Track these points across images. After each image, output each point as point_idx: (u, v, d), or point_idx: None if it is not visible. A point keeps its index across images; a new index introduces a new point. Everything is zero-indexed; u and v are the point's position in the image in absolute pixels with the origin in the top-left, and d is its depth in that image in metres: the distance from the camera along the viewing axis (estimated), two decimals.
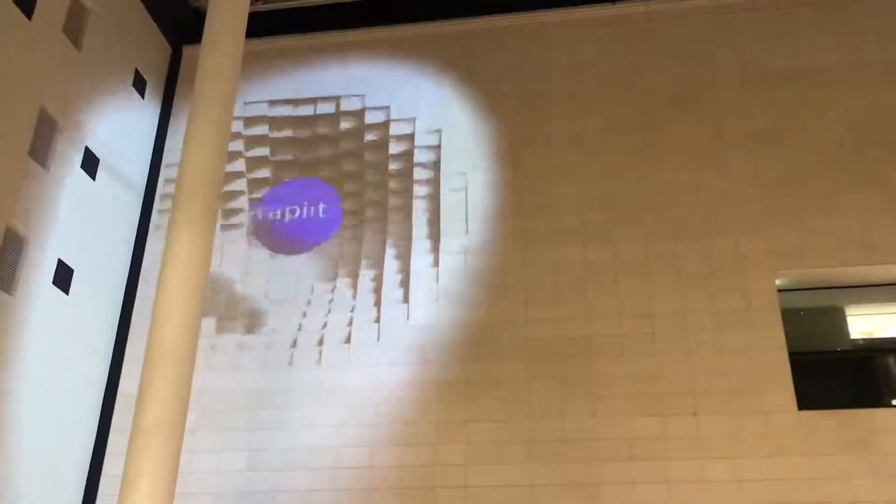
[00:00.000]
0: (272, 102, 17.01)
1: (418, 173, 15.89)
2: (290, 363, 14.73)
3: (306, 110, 16.86)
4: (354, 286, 15.19)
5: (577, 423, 13.50)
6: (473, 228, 15.25)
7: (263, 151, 16.65)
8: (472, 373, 14.14)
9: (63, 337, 14.02)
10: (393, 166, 16.02)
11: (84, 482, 14.38)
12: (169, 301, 10.94)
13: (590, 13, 16.74)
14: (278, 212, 16.07)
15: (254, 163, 16.60)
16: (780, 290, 13.98)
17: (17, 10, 13.25)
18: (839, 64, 15.36)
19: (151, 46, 17.28)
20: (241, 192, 16.40)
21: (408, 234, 15.45)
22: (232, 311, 15.32)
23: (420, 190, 15.75)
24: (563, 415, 13.58)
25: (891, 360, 14.07)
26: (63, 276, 14.09)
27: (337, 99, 16.81)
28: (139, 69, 16.75)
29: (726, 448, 12.97)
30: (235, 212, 16.27)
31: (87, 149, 14.93)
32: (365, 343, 14.67)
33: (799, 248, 14.12)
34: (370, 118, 16.54)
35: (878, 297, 14.52)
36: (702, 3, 16.38)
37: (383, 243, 15.44)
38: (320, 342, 14.80)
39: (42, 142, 13.82)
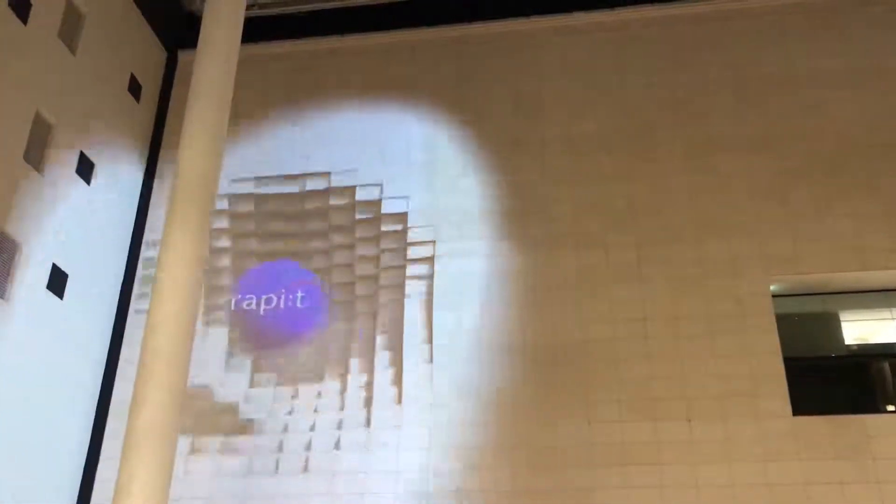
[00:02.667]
0: (258, 179, 16.10)
1: (413, 252, 15.06)
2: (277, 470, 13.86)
3: (293, 187, 15.96)
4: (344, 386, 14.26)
5: (571, 427, 13.51)
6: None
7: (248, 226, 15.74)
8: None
9: (57, 342, 13.99)
10: (386, 250, 15.10)
11: (78, 487, 14.34)
12: (164, 306, 10.92)
13: (584, 19, 16.78)
14: (252, 301, 14.76)
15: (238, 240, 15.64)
16: (774, 296, 14.02)
17: (12, 15, 13.26)
18: (831, 70, 15.43)
19: (147, 51, 17.29)
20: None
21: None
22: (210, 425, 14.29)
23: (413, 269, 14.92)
24: (557, 420, 13.59)
25: (885, 366, 14.10)
26: (57, 281, 14.06)
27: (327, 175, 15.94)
28: (134, 73, 16.75)
29: (720, 453, 12.98)
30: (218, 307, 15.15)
31: (81, 153, 14.93)
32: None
33: (793, 253, 14.17)
34: (361, 195, 15.66)
35: (872, 303, 14.56)
36: (695, 9, 16.45)
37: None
38: (308, 447, 13.98)
39: (37, 146, 13.82)
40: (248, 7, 15.29)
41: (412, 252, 15.15)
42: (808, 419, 13.03)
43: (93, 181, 15.20)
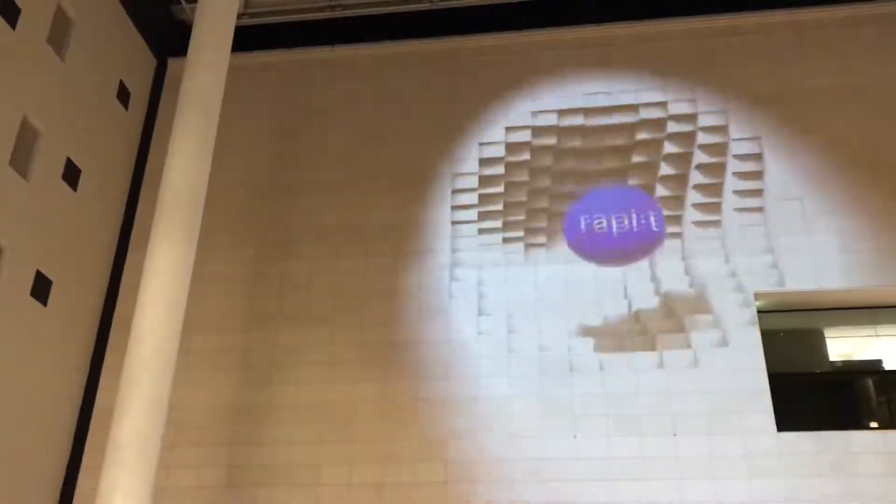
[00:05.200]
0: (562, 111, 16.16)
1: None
2: None
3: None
4: None
5: (557, 442, 13.50)
6: None
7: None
8: (449, 390, 14.13)
9: (40, 349, 13.86)
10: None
11: (58, 496, 14.18)
12: (148, 315, 10.87)
13: (574, 34, 16.89)
14: (604, 221, 14.99)
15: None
16: (759, 312, 14.08)
17: (0, 20, 13.19)
18: (820, 87, 15.57)
19: (136, 58, 17.23)
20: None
21: None
22: None
23: None
24: (543, 434, 13.58)
25: (869, 383, 14.18)
26: (41, 288, 13.94)
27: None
28: (123, 80, 16.68)
29: (705, 468, 13.00)
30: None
31: (68, 159, 14.83)
32: None
33: (778, 269, 14.24)
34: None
35: (857, 320, 14.65)
36: (685, 26, 16.57)
37: None
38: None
39: (23, 151, 13.72)
40: (239, 16, 15.34)
41: None
42: (793, 435, 13.09)
43: (79, 188, 15.10)
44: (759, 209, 14.73)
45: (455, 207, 15.65)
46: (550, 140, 15.86)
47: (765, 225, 14.59)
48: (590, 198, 15.14)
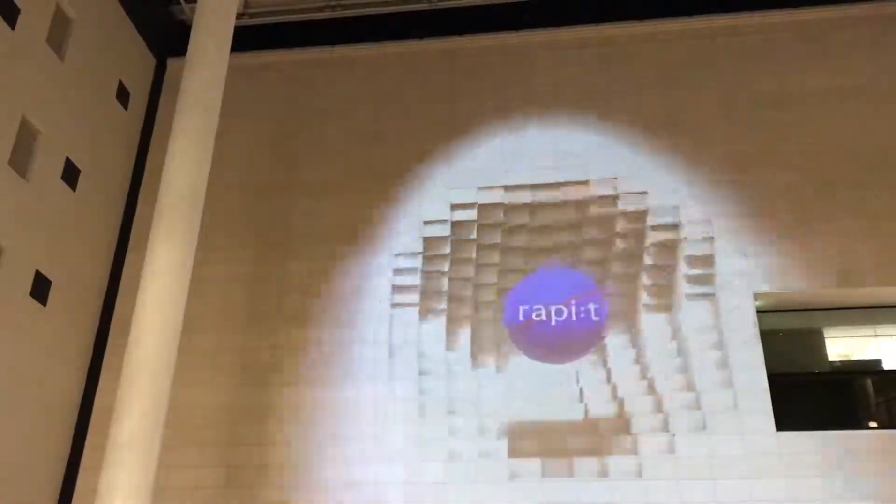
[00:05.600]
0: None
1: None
2: None
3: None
4: None
5: (554, 441, 13.51)
6: None
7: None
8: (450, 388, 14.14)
9: (39, 349, 13.85)
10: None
11: (58, 496, 14.17)
12: (147, 315, 10.87)
13: (574, 34, 16.88)
14: (542, 312, 14.38)
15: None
16: (759, 312, 14.08)
17: (0, 20, 13.18)
18: (820, 89, 15.56)
19: (136, 58, 17.22)
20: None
21: None
22: None
23: None
24: (540, 433, 13.59)
25: (868, 382, 14.19)
26: (40, 288, 13.94)
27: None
28: (123, 80, 16.67)
29: (704, 468, 13.01)
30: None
31: (68, 159, 14.82)
32: None
33: (778, 270, 14.25)
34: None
35: (856, 320, 14.66)
36: (684, 26, 16.56)
37: None
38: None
39: (22, 151, 13.71)
40: (238, 16, 15.34)
41: None
42: (792, 435, 13.10)
43: (78, 188, 15.10)
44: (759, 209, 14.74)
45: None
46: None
47: (766, 225, 14.59)
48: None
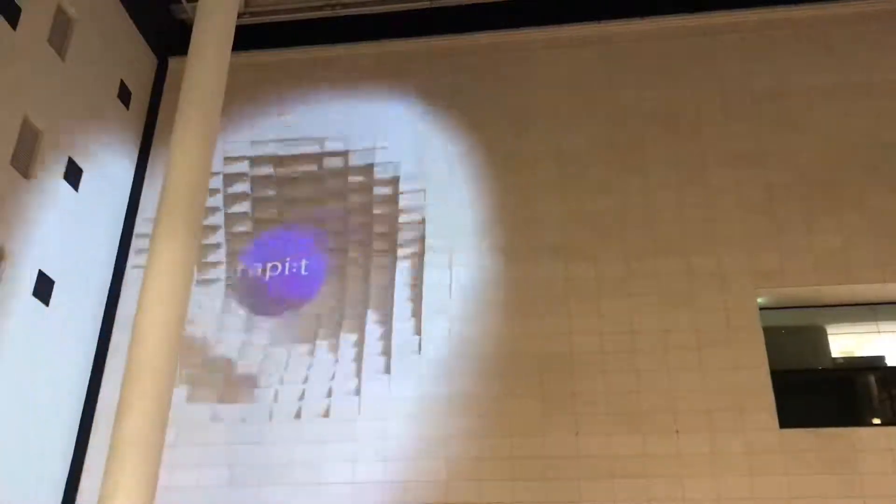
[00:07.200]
0: (254, 142, 16.60)
1: (402, 237, 15.49)
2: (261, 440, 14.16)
3: (288, 150, 16.47)
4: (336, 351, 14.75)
5: (559, 440, 13.49)
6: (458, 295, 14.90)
7: (244, 187, 16.27)
8: (452, 387, 14.13)
9: (42, 349, 13.87)
10: (378, 229, 15.59)
11: (61, 496, 14.19)
12: (150, 314, 10.86)
13: (574, 32, 16.86)
14: (258, 268, 15.56)
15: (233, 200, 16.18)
16: (761, 309, 14.06)
17: (1, 19, 13.20)
18: (820, 85, 15.54)
19: (137, 57, 17.24)
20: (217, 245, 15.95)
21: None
22: (205, 377, 14.70)
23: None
24: (545, 432, 13.57)
25: (871, 379, 14.17)
26: (43, 288, 13.96)
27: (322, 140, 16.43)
28: (124, 80, 16.69)
29: (707, 466, 12.99)
30: (214, 265, 15.80)
31: (70, 159, 14.84)
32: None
33: (780, 266, 14.22)
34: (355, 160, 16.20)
35: (859, 317, 14.63)
36: (684, 24, 16.55)
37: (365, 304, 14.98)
38: (297, 415, 14.29)
39: (24, 151, 13.74)
40: (239, 15, 15.32)
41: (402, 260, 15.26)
42: (795, 432, 13.06)
43: (81, 187, 15.12)
44: (760, 206, 14.72)
45: None
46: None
47: (768, 222, 14.56)
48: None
